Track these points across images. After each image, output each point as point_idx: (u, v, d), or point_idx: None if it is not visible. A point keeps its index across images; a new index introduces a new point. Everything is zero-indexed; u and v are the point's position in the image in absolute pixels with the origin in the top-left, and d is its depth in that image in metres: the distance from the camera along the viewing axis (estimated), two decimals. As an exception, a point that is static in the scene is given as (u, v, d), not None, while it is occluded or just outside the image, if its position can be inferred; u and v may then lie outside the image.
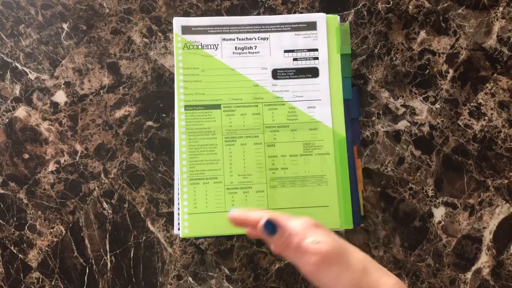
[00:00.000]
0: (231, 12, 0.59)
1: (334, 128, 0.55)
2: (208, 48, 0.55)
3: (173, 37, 0.58)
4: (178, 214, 0.53)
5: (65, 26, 0.58)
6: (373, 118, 0.58)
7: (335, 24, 0.56)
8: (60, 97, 0.57)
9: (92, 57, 0.58)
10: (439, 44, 0.58)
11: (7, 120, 0.57)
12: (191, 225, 0.52)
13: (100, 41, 0.58)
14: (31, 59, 0.57)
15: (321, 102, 0.55)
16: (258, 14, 0.59)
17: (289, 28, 0.56)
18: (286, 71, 0.55)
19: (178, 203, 0.53)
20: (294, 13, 0.59)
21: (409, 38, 0.59)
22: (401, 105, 0.58)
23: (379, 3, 0.59)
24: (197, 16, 0.58)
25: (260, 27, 0.55)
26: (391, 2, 0.59)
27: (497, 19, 0.59)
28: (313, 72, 0.55)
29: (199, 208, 0.52)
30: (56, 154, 0.56)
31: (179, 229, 0.52)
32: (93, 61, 0.58)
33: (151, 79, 0.58)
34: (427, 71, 0.58)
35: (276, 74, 0.55)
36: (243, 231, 0.52)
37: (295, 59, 0.55)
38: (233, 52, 0.55)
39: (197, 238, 0.55)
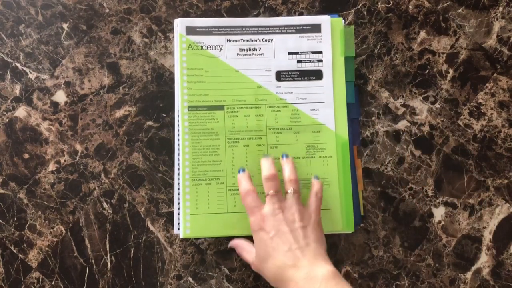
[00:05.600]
0: (231, 12, 0.59)
1: (337, 131, 0.55)
2: (212, 49, 0.55)
3: (173, 37, 0.58)
4: (178, 214, 0.53)
5: (65, 26, 0.58)
6: (373, 118, 0.58)
7: (340, 27, 0.56)
8: (60, 97, 0.57)
9: (92, 57, 0.58)
10: (439, 44, 0.58)
11: (7, 120, 0.57)
12: (193, 226, 0.52)
13: (100, 41, 0.58)
14: (31, 59, 0.57)
15: (325, 104, 0.55)
16: (258, 14, 0.59)
17: (293, 30, 0.56)
18: (290, 73, 0.55)
19: (179, 203, 0.53)
20: (294, 13, 0.59)
21: (409, 38, 0.59)
22: (401, 105, 0.58)
23: (379, 3, 0.59)
24: (197, 16, 0.58)
25: (264, 28, 0.55)
26: (391, 2, 0.59)
27: (497, 19, 0.59)
28: (317, 75, 0.55)
29: (201, 209, 0.52)
30: (56, 154, 0.56)
31: (179, 229, 0.52)
32: (93, 61, 0.58)
33: (151, 79, 0.58)
34: (427, 71, 0.58)
35: (280, 76, 0.55)
36: (244, 232, 0.52)
37: (299, 61, 0.55)
38: (237, 54, 0.55)
39: (197, 238, 0.56)
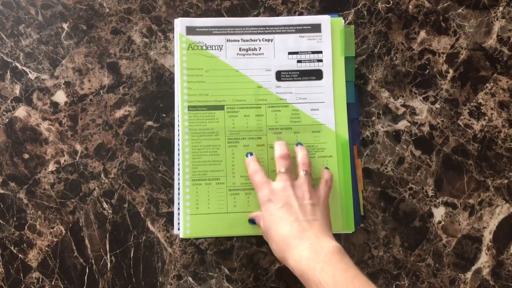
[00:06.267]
0: (231, 12, 0.59)
1: (337, 130, 0.54)
2: (212, 49, 0.55)
3: (173, 37, 0.58)
4: (178, 214, 0.53)
5: (65, 26, 0.58)
6: (373, 118, 0.58)
7: (340, 27, 0.56)
8: (60, 97, 0.57)
9: (92, 57, 0.58)
10: (439, 44, 0.58)
11: (7, 120, 0.57)
12: (193, 226, 0.52)
13: (100, 41, 0.58)
14: (31, 59, 0.57)
15: (325, 104, 0.55)
16: (258, 14, 0.59)
17: (293, 30, 0.55)
18: (290, 73, 0.55)
19: (179, 203, 0.53)
20: (294, 13, 0.59)
21: (409, 38, 0.59)
22: (401, 105, 0.58)
23: (379, 3, 0.59)
24: (197, 16, 0.58)
25: (264, 28, 0.55)
26: (391, 2, 0.59)
27: (497, 19, 0.59)
28: (317, 74, 0.55)
29: (201, 209, 0.52)
30: (56, 154, 0.56)
31: (179, 229, 0.52)
32: (93, 61, 0.58)
33: (151, 79, 0.58)
34: (427, 71, 0.58)
35: (280, 75, 0.55)
36: (244, 232, 0.52)
37: (299, 61, 0.55)
38: (237, 53, 0.55)
39: (197, 238, 0.55)
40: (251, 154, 0.52)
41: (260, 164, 0.51)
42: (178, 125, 0.54)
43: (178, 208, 0.53)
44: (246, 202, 0.52)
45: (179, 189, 0.53)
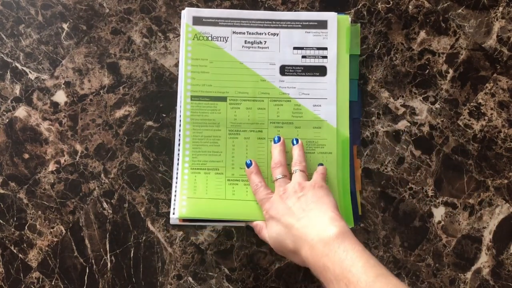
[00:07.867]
0: (231, 12, 0.59)
1: (338, 127, 0.55)
2: (218, 40, 0.55)
3: (173, 37, 0.58)
4: (175, 201, 0.52)
5: (65, 26, 0.58)
6: (373, 118, 0.58)
7: (346, 24, 0.56)
8: (60, 97, 0.57)
9: (92, 57, 0.58)
10: (439, 44, 0.59)
11: (7, 120, 0.57)
12: (189, 207, 0.51)
13: (100, 41, 0.58)
14: (31, 59, 0.57)
15: (327, 101, 0.55)
16: (258, 14, 0.59)
17: (299, 26, 0.56)
18: (294, 67, 0.55)
19: (175, 191, 0.53)
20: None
21: (409, 38, 0.59)
22: (401, 105, 0.58)
23: (379, 3, 0.59)
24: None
25: (270, 22, 0.55)
26: (391, 2, 0.59)
27: (497, 19, 0.59)
28: (321, 71, 0.55)
29: (199, 194, 0.52)
30: (56, 154, 0.56)
31: (174, 214, 0.52)
32: (93, 61, 0.58)
33: (151, 79, 0.58)
34: (427, 71, 0.58)
35: (284, 70, 0.55)
36: (241, 217, 0.52)
37: (303, 57, 0.55)
38: (243, 46, 0.55)
39: (196, 238, 0.55)
40: (250, 162, 0.53)
41: (260, 173, 0.52)
42: (180, 115, 0.54)
43: (175, 195, 0.52)
44: (244, 192, 0.53)
45: (177, 178, 0.53)
